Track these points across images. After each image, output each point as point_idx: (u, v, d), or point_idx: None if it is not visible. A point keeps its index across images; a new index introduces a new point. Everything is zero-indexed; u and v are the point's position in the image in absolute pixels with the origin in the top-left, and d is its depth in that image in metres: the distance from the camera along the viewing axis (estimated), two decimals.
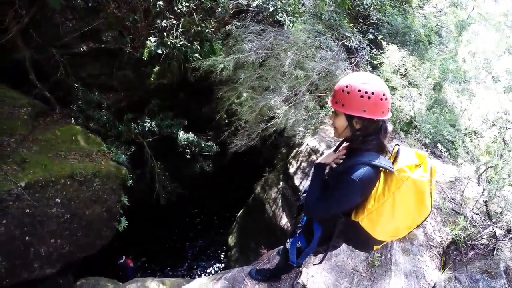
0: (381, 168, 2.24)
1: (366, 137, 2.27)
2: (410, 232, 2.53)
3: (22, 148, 6.68)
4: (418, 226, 2.46)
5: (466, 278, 4.22)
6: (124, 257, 10.09)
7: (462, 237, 4.64)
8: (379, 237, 2.43)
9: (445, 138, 6.49)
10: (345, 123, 2.29)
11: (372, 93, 2.10)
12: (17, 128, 6.93)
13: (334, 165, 2.53)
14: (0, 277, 6.14)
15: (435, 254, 4.76)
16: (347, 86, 2.17)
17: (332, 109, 2.35)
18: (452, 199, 5.62)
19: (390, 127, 2.31)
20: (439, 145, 6.22)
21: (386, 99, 2.14)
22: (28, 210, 6.26)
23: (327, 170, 2.60)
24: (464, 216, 4.88)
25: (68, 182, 6.80)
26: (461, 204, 5.42)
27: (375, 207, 2.29)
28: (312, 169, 3.16)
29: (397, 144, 2.42)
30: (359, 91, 2.12)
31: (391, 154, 2.41)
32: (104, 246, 7.99)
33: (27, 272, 6.50)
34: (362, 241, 2.63)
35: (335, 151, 2.63)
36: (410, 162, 2.24)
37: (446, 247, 4.80)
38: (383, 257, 4.67)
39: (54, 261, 6.87)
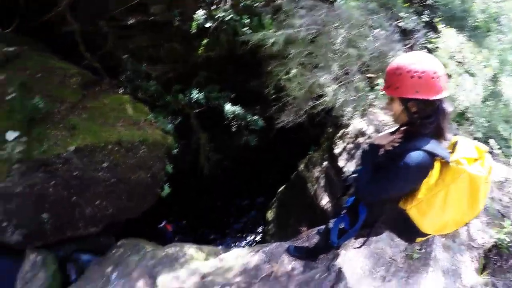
0: (437, 157, 2.18)
1: (424, 119, 2.20)
2: (457, 229, 2.49)
3: (72, 115, 6.95)
4: (466, 224, 2.42)
5: (503, 286, 4.13)
6: (164, 221, 10.42)
7: (506, 242, 4.51)
8: (425, 229, 2.38)
9: (498, 135, 6.21)
10: (401, 107, 2.26)
11: (423, 73, 2.06)
12: (67, 97, 7.20)
13: (388, 148, 2.48)
14: (46, 233, 6.57)
15: (475, 255, 4.63)
16: (397, 69, 2.16)
17: (383, 93, 2.34)
18: (500, 200, 5.38)
19: (450, 108, 2.23)
20: (491, 141, 5.98)
21: (438, 77, 2.09)
22: (76, 173, 6.57)
23: (381, 152, 2.57)
24: (511, 221, 4.75)
25: (116, 148, 7.06)
26: (508, 207, 5.20)
27: (426, 197, 2.24)
28: (360, 150, 3.14)
29: (457, 134, 2.36)
30: (409, 72, 2.09)
31: (450, 144, 2.35)
32: (146, 210, 8.28)
33: (72, 230, 6.90)
34: (407, 231, 2.60)
35: (392, 133, 2.56)
36: (469, 155, 2.17)
37: (488, 250, 4.65)
38: (423, 250, 4.58)
39: (98, 221, 7.23)
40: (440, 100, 2.17)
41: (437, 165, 2.22)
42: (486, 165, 2.16)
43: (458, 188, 2.15)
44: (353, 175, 3.06)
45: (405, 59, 2.16)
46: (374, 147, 2.58)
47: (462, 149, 2.22)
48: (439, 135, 2.27)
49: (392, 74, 2.19)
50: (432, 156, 2.16)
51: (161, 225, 10.31)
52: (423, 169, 2.18)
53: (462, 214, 2.28)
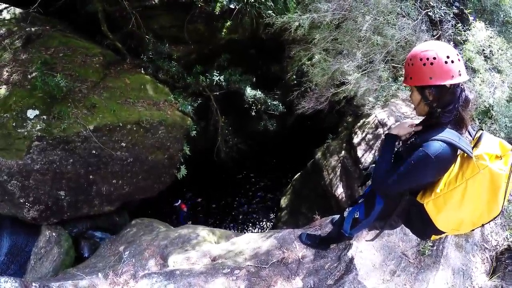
0: (459, 150, 2.13)
1: (444, 108, 2.13)
2: (473, 230, 2.41)
3: (93, 94, 7.06)
4: (483, 225, 2.31)
5: None
6: (180, 201, 10.63)
7: None
8: (441, 226, 2.31)
9: None
10: (419, 97, 2.24)
11: (434, 58, 2.04)
12: (89, 76, 7.30)
13: (406, 138, 2.45)
14: (62, 210, 6.80)
15: (487, 257, 4.53)
16: (410, 59, 2.15)
17: (404, 85, 2.31)
18: None
19: (471, 95, 2.16)
20: None
21: (452, 62, 2.03)
22: (94, 152, 6.73)
23: (399, 143, 2.53)
24: None
25: (134, 128, 7.16)
26: None
27: (443, 191, 2.18)
28: (382, 138, 3.08)
29: (481, 129, 2.27)
30: (421, 59, 2.07)
31: (473, 139, 2.26)
32: (162, 190, 8.42)
33: (88, 207, 7.13)
34: (422, 225, 2.52)
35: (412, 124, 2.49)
36: (492, 151, 2.07)
37: (500, 253, 4.54)
38: (435, 247, 4.49)
39: (113, 200, 7.44)
40: (459, 87, 2.12)
41: (458, 159, 2.17)
42: (509, 164, 2.05)
43: (478, 185, 2.06)
44: (373, 165, 2.98)
45: (417, 48, 2.14)
46: (391, 137, 2.52)
47: (486, 144, 2.11)
48: (460, 125, 2.20)
49: (407, 65, 2.18)
50: (454, 148, 2.09)
51: (176, 204, 10.52)
52: (444, 161, 2.11)
53: (479, 213, 2.19)
